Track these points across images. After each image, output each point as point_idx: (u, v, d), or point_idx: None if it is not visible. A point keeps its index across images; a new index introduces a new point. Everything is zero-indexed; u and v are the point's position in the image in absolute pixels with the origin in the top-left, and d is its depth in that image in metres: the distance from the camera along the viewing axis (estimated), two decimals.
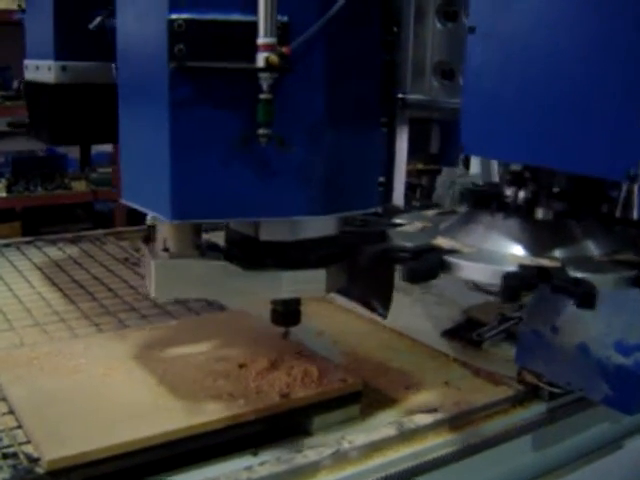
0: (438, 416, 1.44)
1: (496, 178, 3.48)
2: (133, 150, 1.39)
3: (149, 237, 2.67)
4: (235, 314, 1.90)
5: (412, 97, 1.40)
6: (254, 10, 1.19)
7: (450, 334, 1.92)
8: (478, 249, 1.30)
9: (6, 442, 1.32)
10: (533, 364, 1.52)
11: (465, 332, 1.90)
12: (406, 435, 1.39)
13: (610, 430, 1.70)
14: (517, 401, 1.55)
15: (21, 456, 1.27)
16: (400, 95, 1.41)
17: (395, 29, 1.39)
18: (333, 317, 2.01)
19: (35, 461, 1.25)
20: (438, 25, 1.35)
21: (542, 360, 1.48)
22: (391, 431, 1.38)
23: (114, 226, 4.58)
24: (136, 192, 1.39)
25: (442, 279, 2.21)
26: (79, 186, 5.48)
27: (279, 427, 1.44)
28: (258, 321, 1.82)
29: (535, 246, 1.29)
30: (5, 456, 1.28)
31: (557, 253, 1.28)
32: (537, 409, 1.55)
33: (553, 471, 1.59)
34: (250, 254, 1.41)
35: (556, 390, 1.56)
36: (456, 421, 1.45)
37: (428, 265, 1.24)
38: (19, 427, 1.36)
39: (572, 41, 1.08)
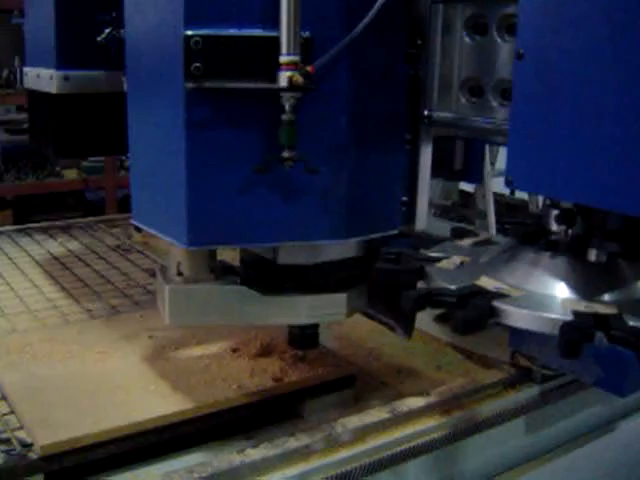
0: (430, 399, 1.44)
1: (489, 173, 3.49)
2: (145, 171, 1.33)
3: None
4: None
5: (438, 114, 1.35)
6: (275, 25, 1.13)
7: (442, 318, 1.92)
8: (527, 292, 1.20)
9: None
10: (526, 347, 1.52)
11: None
12: (399, 418, 1.39)
13: (602, 412, 1.71)
14: (509, 384, 1.56)
15: (14, 442, 1.27)
16: (426, 112, 1.35)
17: (419, 42, 1.33)
18: None
19: (28, 446, 1.25)
20: (466, 39, 1.29)
21: (535, 343, 1.47)
22: (384, 414, 1.38)
23: (105, 214, 4.56)
24: (148, 215, 1.34)
25: None
26: (70, 174, 5.45)
27: (272, 411, 1.45)
28: None
29: (586, 289, 1.19)
30: None
31: (609, 296, 1.19)
32: (530, 392, 1.56)
33: (546, 453, 1.60)
34: (268, 278, 1.36)
35: (549, 373, 1.56)
36: (448, 404, 1.45)
37: (478, 314, 1.15)
38: (12, 413, 1.36)
39: (628, 70, 0.98)
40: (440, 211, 3.65)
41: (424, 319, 1.91)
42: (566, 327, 1.08)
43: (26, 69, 2.03)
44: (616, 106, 1.00)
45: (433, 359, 1.72)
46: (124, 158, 5.27)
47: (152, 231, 1.33)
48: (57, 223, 2.83)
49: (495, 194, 3.29)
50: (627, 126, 0.99)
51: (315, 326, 1.48)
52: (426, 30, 1.33)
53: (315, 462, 1.27)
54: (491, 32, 1.25)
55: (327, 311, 1.37)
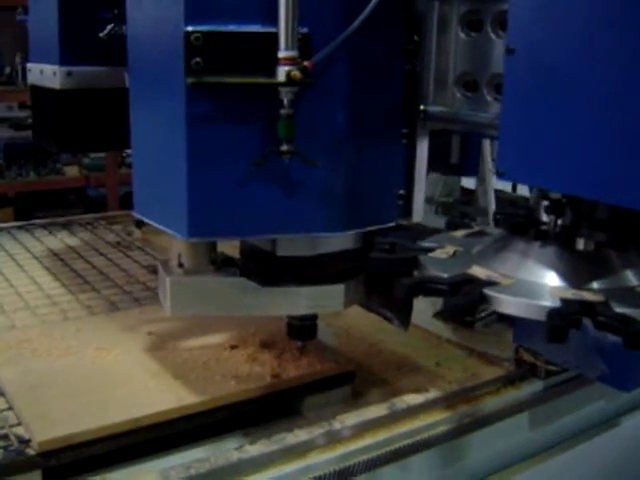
0: (429, 396, 1.44)
1: (488, 171, 3.48)
2: (146, 164, 1.35)
3: (141, 221, 2.66)
4: None
5: (434, 109, 1.37)
6: (274, 21, 1.14)
7: (442, 315, 1.92)
8: (517, 280, 1.23)
9: None
10: (530, 342, 1.52)
11: (457, 313, 1.90)
12: (397, 415, 1.39)
13: (607, 408, 1.71)
14: (508, 381, 1.56)
15: (12, 438, 1.27)
16: (422, 107, 1.37)
17: (416, 38, 1.35)
18: None
19: (26, 442, 1.25)
20: (462, 35, 1.31)
21: (539, 338, 1.47)
22: (382, 411, 1.38)
23: (106, 211, 4.56)
24: (149, 207, 1.36)
25: None
26: (71, 171, 5.45)
27: (271, 407, 1.44)
28: None
29: (575, 277, 1.22)
30: None
31: (597, 284, 1.22)
32: (534, 387, 1.56)
33: (550, 449, 1.60)
34: (267, 269, 1.37)
35: (553, 368, 1.56)
36: (447, 401, 1.45)
37: (469, 300, 1.19)
38: (10, 409, 1.36)
39: (617, 62, 1.00)
40: (442, 208, 3.64)
41: (424, 316, 1.91)
42: (553, 313, 1.11)
43: (29, 65, 2.04)
44: (605, 98, 1.02)
45: (433, 355, 1.72)
46: (125, 155, 5.28)
47: (153, 223, 1.34)
48: (57, 220, 2.83)
49: (496, 191, 3.28)
50: (616, 118, 1.01)
51: (314, 317, 1.48)
52: (423, 27, 1.34)
53: (313, 458, 1.27)
54: (485, 28, 1.26)
55: (325, 302, 1.38)
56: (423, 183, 1.43)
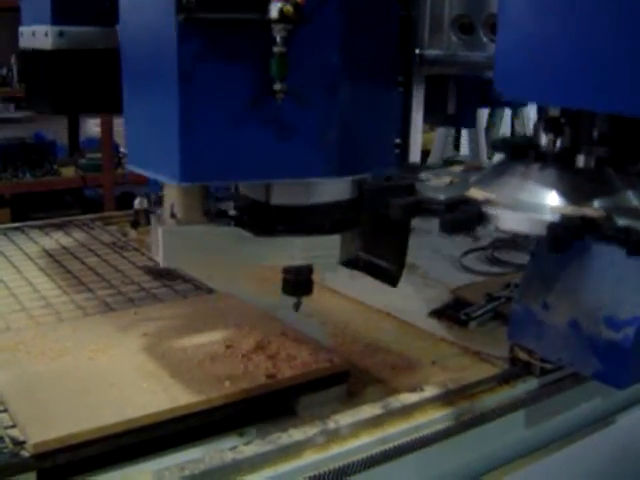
0: (424, 395, 1.44)
1: (484, 157, 3.48)
2: (138, 113, 1.33)
3: (137, 221, 2.65)
4: (222, 296, 1.90)
5: (430, 53, 1.36)
6: None
7: (437, 314, 1.93)
8: (516, 199, 1.23)
9: None
10: (525, 340, 1.52)
11: (452, 312, 1.91)
12: (392, 414, 1.39)
13: (602, 405, 1.71)
14: (504, 379, 1.55)
15: (7, 440, 1.27)
16: (417, 51, 1.37)
17: None
18: (321, 299, 2.01)
19: (21, 444, 1.25)
20: None
21: (534, 336, 1.47)
22: (377, 410, 1.38)
23: (103, 212, 4.55)
24: (142, 156, 1.33)
25: (427, 259, 2.23)
26: (68, 172, 5.44)
27: (265, 408, 1.44)
28: (245, 303, 1.82)
29: (575, 195, 1.22)
30: None
31: (598, 203, 1.21)
32: (529, 385, 1.55)
33: (546, 447, 1.60)
34: (261, 220, 1.36)
35: (548, 366, 1.56)
36: (443, 399, 1.45)
37: (466, 216, 1.17)
38: (5, 411, 1.35)
39: None
40: None
41: (419, 315, 1.92)
42: (554, 225, 1.12)
43: (21, 29, 1.99)
44: (604, 8, 1.01)
45: (428, 354, 1.72)
46: (121, 155, 5.28)
47: (146, 173, 1.33)
48: (53, 221, 2.81)
49: None
50: (619, 21, 1.00)
51: (309, 272, 1.46)
52: None
53: (308, 458, 1.27)
54: None
55: (320, 253, 1.37)
56: (419, 131, 1.42)
